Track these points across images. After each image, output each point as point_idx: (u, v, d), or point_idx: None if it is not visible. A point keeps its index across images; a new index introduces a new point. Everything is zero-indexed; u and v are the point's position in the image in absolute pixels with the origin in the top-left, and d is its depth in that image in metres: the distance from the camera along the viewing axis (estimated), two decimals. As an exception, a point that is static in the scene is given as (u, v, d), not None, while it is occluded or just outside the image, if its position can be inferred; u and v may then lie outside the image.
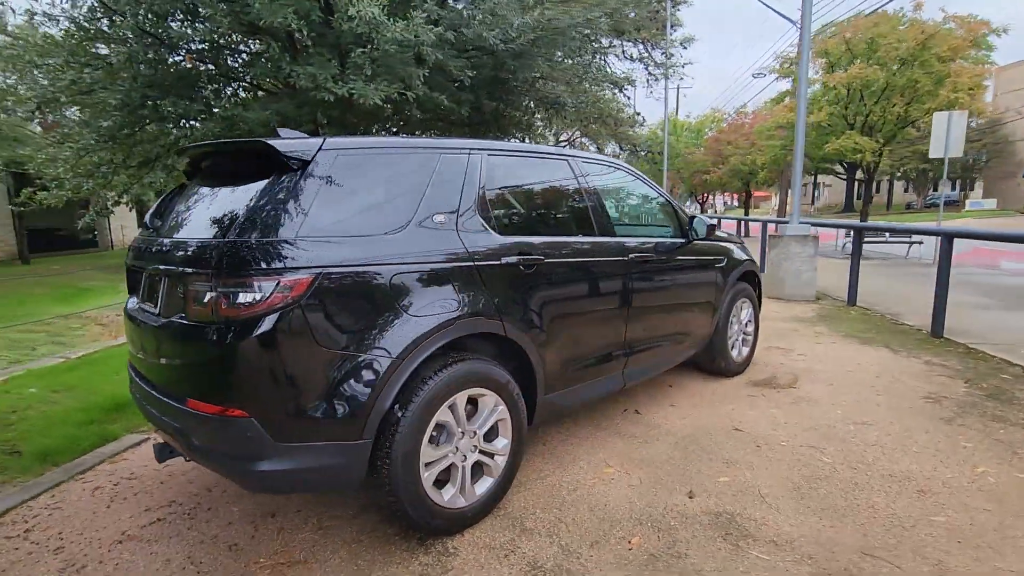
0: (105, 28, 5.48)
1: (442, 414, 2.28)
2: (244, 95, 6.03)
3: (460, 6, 5.09)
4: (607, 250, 3.09)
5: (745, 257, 4.43)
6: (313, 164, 2.11)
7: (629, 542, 2.32)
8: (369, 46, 4.76)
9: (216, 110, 5.19)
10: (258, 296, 1.89)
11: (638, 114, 26.02)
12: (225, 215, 2.07)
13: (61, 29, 5.19)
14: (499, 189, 2.73)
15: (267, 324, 1.89)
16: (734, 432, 3.39)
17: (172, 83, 5.50)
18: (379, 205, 2.24)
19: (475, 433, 2.44)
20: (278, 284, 1.90)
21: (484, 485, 2.50)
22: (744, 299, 4.43)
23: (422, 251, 2.26)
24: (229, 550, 2.34)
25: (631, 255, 3.22)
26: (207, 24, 5.24)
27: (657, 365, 3.63)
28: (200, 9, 5.09)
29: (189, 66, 5.63)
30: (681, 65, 22.40)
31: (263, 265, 1.91)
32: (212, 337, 1.92)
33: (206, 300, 1.93)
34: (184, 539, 2.43)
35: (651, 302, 3.47)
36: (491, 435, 2.53)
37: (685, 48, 22.11)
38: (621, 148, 29.68)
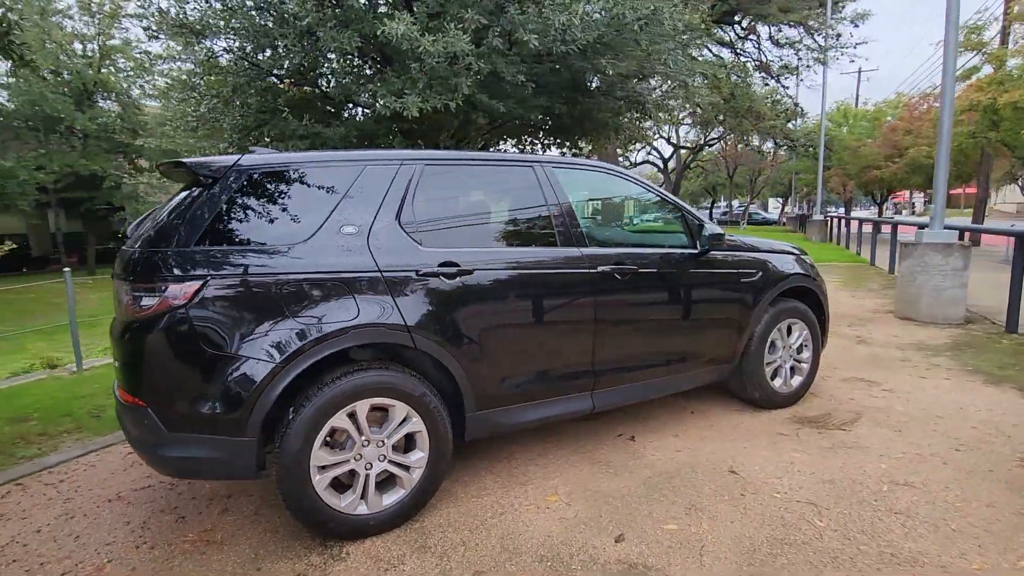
0: (223, 62, 6.50)
1: (338, 420, 2.33)
2: (328, 113, 6.69)
3: (511, 12, 5.06)
4: (564, 263, 2.88)
5: (793, 271, 3.78)
6: (223, 180, 2.31)
7: (513, 579, 2.15)
8: (419, 62, 4.98)
9: (299, 130, 5.85)
10: (153, 300, 2.13)
11: (796, 105, 23.27)
12: (151, 227, 2.36)
13: (185, 70, 6.30)
14: (434, 200, 2.71)
15: (157, 325, 2.12)
16: (727, 474, 2.93)
17: (277, 108, 6.33)
18: (285, 218, 2.37)
19: (383, 443, 2.45)
20: (166, 290, 2.12)
21: (394, 496, 2.50)
22: (794, 320, 3.78)
23: (322, 262, 2.33)
24: (176, 521, 2.65)
25: (602, 268, 2.95)
26: (298, 49, 5.91)
27: (649, 389, 3.26)
28: (281, 44, 5.76)
29: (289, 92, 6.45)
30: (852, 46, 19.61)
31: (159, 272, 2.15)
32: (125, 335, 2.21)
33: (124, 302, 2.22)
34: (153, 506, 2.80)
35: (633, 320, 3.15)
36: (406, 446, 2.53)
37: (857, 26, 19.32)
38: (776, 144, 26.86)
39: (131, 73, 17.69)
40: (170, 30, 6.18)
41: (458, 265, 2.58)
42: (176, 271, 2.15)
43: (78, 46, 16.91)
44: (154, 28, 6.06)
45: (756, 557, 2.24)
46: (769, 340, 3.68)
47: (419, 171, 2.67)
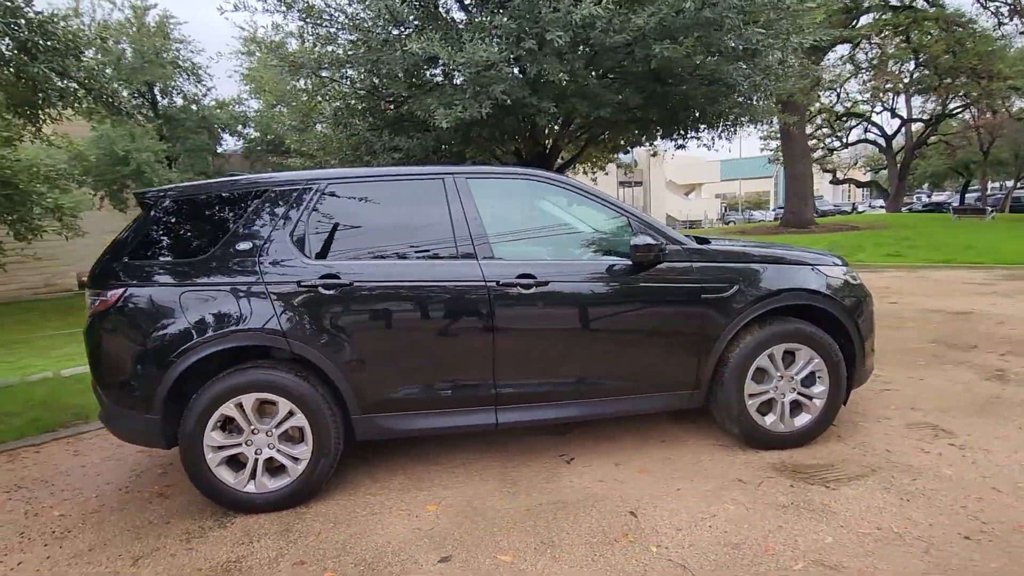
0: (345, 89, 7.55)
1: (228, 409, 2.73)
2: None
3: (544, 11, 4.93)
4: (457, 276, 2.85)
5: (790, 286, 3.10)
6: (155, 206, 2.87)
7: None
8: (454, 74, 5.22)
9: (386, 144, 6.53)
10: (95, 302, 2.77)
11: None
12: (111, 243, 3.00)
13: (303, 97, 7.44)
14: (333, 217, 2.94)
15: (97, 322, 2.75)
16: (624, 515, 2.61)
17: (377, 126, 7.16)
18: (193, 237, 2.84)
19: (272, 432, 2.79)
20: (100, 296, 2.74)
21: (281, 481, 2.82)
22: (796, 345, 3.10)
23: (215, 275, 2.75)
24: (140, 476, 3.34)
25: (504, 281, 2.85)
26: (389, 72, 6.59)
27: (571, 410, 3.02)
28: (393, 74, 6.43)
29: (387, 112, 7.21)
30: None
31: (99, 280, 2.78)
32: (86, 330, 2.89)
33: (87, 303, 2.91)
34: (123, 465, 3.55)
35: (545, 337, 2.96)
36: (293, 439, 2.82)
37: None
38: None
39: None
40: (311, 65, 7.38)
41: (338, 278, 2.78)
42: (109, 280, 2.76)
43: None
44: (287, 67, 7.30)
45: (554, 609, 2.03)
46: (753, 367, 3.09)
47: (321, 189, 2.92)
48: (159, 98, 17.63)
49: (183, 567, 2.42)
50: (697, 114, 7.37)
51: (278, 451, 2.80)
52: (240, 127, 19.18)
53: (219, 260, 2.79)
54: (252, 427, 2.77)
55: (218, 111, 18.19)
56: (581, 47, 5.51)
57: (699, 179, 57.03)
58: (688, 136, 8.46)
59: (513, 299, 2.88)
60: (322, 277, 2.78)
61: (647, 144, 9.15)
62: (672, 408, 3.18)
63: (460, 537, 2.51)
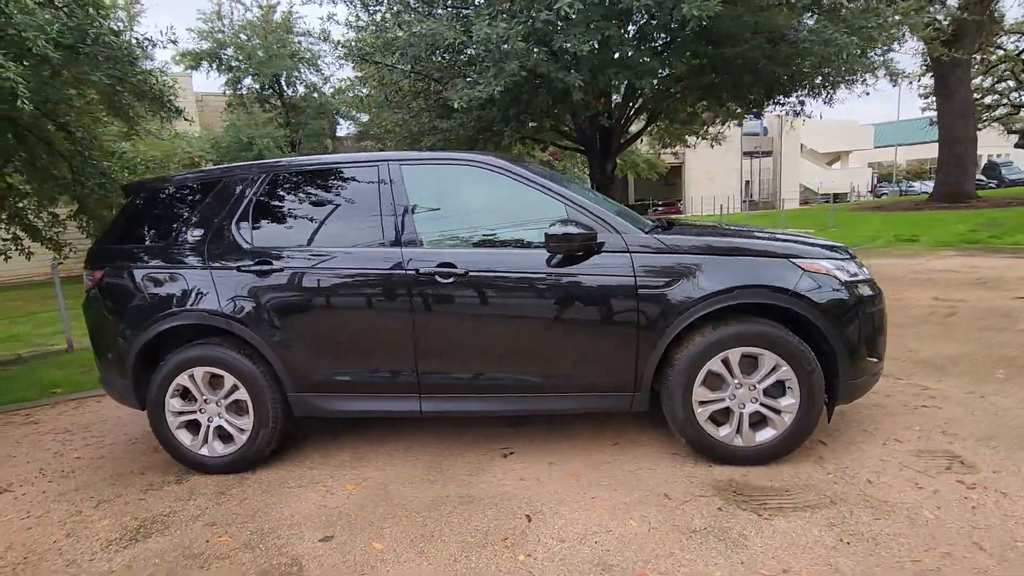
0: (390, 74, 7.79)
1: (183, 379, 3.04)
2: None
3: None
4: (380, 263, 2.86)
5: (746, 282, 2.68)
6: (135, 196, 3.23)
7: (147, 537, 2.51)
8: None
9: (424, 127, 6.63)
10: (88, 280, 3.21)
11: None
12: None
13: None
14: (275, 204, 3.09)
15: (87, 298, 3.19)
16: (520, 518, 2.50)
17: (426, 108, 7.31)
18: (158, 224, 3.15)
19: (220, 403, 3.06)
20: (90, 275, 3.17)
21: (229, 448, 3.08)
22: (758, 349, 2.70)
23: (171, 259, 3.04)
24: (147, 430, 3.83)
25: (424, 270, 2.82)
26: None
27: (499, 404, 2.92)
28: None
29: (431, 96, 7.31)
30: None
31: (90, 262, 3.21)
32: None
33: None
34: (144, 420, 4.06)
35: (466, 328, 2.88)
36: (238, 411, 3.07)
37: None
38: None
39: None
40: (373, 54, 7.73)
41: (271, 263, 2.94)
42: (96, 261, 3.19)
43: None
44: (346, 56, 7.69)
45: (385, 604, 2.03)
46: (704, 372, 2.75)
47: (266, 179, 3.09)
48: (284, 88, 19.46)
49: (127, 514, 2.77)
50: (772, 78, 6.51)
51: (226, 421, 3.07)
52: (354, 112, 20.59)
53: (176, 246, 3.08)
54: (204, 397, 3.06)
55: (334, 98, 19.66)
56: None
57: (846, 146, 50.49)
58: (769, 104, 7.51)
59: (432, 289, 2.83)
60: (257, 262, 2.96)
61: (719, 116, 8.28)
62: (613, 410, 2.94)
63: (353, 519, 2.58)
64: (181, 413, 3.09)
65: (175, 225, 3.13)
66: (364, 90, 17.30)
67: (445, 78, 6.30)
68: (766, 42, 5.56)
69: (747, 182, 44.40)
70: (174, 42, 6.54)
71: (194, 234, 3.08)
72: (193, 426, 3.11)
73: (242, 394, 3.02)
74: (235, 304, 2.97)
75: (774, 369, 2.73)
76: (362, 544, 2.39)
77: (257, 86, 18.62)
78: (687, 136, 12.39)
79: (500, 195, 3.02)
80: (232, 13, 18.59)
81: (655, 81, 5.83)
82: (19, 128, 5.84)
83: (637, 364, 2.79)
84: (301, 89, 19.63)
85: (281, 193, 3.10)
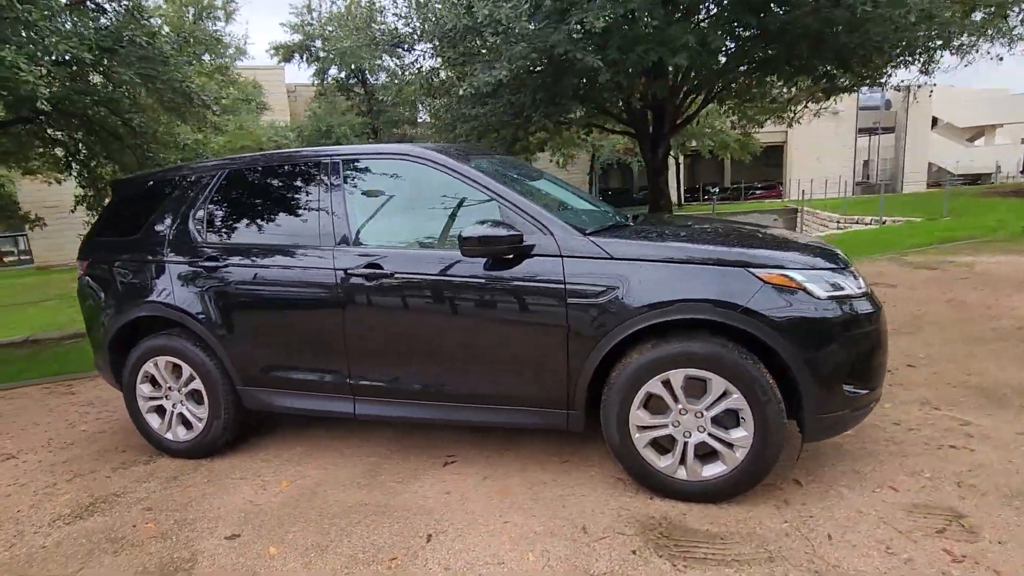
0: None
1: (149, 367, 3.21)
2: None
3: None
4: (312, 262, 2.81)
5: (689, 295, 2.31)
6: (116, 192, 3.43)
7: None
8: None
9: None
10: (79, 269, 3.47)
11: None
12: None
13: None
14: (228, 200, 3.12)
15: (78, 285, 3.45)
16: (418, 537, 2.37)
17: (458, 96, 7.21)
18: (132, 219, 3.30)
19: (180, 391, 3.20)
20: (80, 264, 3.42)
21: (189, 435, 3.22)
22: (705, 372, 2.33)
23: (138, 253, 3.19)
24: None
25: (352, 270, 2.73)
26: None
27: (431, 411, 2.78)
28: None
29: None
30: None
31: (81, 252, 3.46)
32: (78, 293, 3.64)
33: (80, 269, 3.65)
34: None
35: (394, 332, 2.76)
36: (196, 400, 3.19)
37: None
38: None
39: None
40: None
41: (217, 260, 2.99)
42: (84, 252, 3.43)
43: None
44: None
45: (244, 616, 1.99)
46: (642, 393, 2.43)
47: (221, 176, 3.14)
48: (368, 76, 20.20)
49: (87, 490, 2.99)
50: (841, 47, 5.64)
51: (186, 409, 3.21)
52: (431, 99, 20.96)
53: (144, 240, 3.23)
54: (168, 385, 3.22)
55: (412, 86, 20.10)
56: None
57: (992, 119, 43.66)
58: (845, 77, 6.56)
59: (360, 290, 2.74)
60: (206, 258, 3.03)
61: (802, 91, 7.35)
62: (548, 427, 2.69)
63: (267, 519, 2.59)
64: (151, 398, 3.27)
65: (144, 220, 3.28)
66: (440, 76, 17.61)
67: (467, 64, 6.14)
68: (825, 5, 4.79)
69: (865, 162, 39.96)
70: (218, 40, 6.92)
71: (158, 229, 3.21)
72: (161, 411, 3.29)
73: (198, 384, 3.13)
74: (188, 298, 3.07)
75: (724, 396, 2.35)
76: (260, 547, 2.39)
77: (342, 75, 19.50)
78: (777, 113, 11.28)
79: (435, 191, 2.84)
80: (320, 6, 19.53)
81: (688, 55, 5.26)
82: (92, 125, 6.49)
83: (568, 381, 2.53)
84: (383, 77, 20.27)
85: (232, 190, 3.14)
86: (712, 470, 2.43)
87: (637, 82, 6.12)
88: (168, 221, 3.19)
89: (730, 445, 2.38)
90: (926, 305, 5.48)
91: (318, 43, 19.44)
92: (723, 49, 5.56)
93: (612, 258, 2.45)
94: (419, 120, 22.20)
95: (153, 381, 3.26)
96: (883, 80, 8.15)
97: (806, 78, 6.69)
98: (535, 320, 2.53)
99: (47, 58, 4.32)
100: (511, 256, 2.53)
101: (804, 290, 2.30)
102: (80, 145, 7.05)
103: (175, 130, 7.85)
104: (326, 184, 2.90)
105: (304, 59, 19.31)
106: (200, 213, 3.14)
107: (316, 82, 19.59)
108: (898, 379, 3.73)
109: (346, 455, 3.17)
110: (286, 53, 19.21)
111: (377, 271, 2.70)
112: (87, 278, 3.39)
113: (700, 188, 35.02)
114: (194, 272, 3.06)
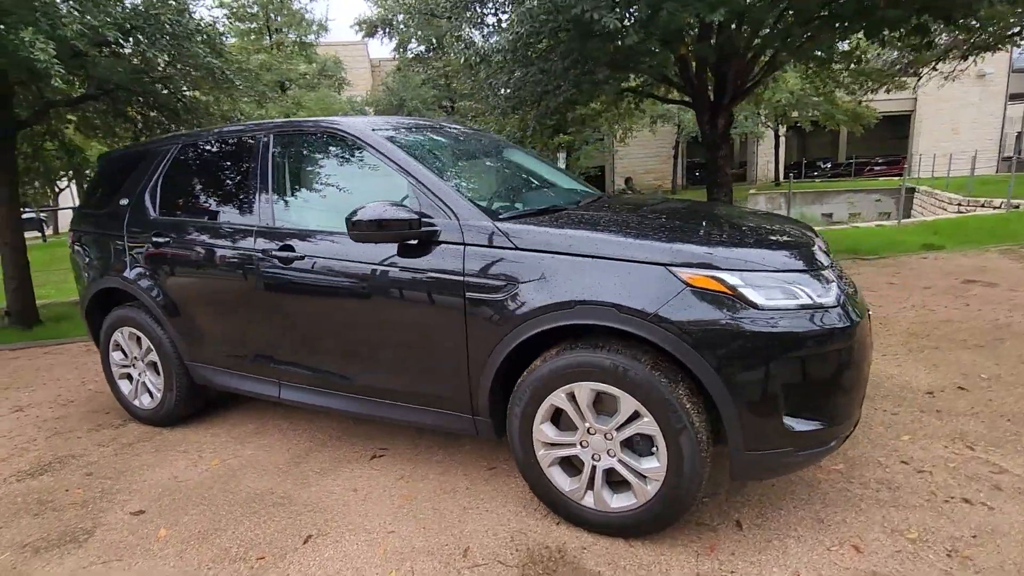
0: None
1: (118, 336, 3.34)
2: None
3: None
4: (236, 238, 2.72)
5: (590, 297, 1.93)
6: (100, 165, 3.56)
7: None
8: None
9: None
10: (69, 237, 3.65)
11: None
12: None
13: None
14: (179, 175, 3.11)
15: (71, 250, 3.64)
16: (300, 536, 2.24)
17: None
18: (106, 192, 3.40)
19: (143, 361, 3.30)
20: (69, 233, 3.60)
21: (150, 403, 3.33)
22: (612, 388, 1.95)
23: (106, 226, 3.29)
24: None
25: (269, 248, 2.61)
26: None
27: (345, 403, 2.61)
28: None
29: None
30: None
31: (71, 222, 3.65)
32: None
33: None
34: None
35: (306, 315, 2.61)
36: (156, 371, 3.27)
37: None
38: None
39: None
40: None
41: (162, 236, 3.00)
42: (72, 223, 3.61)
43: None
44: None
45: (95, 600, 1.98)
46: (546, 406, 2.11)
47: (176, 150, 3.13)
48: (446, 49, 20.15)
49: (53, 448, 3.18)
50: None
51: (147, 379, 3.31)
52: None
53: (110, 213, 3.32)
54: (133, 354, 3.33)
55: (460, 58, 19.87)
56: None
57: None
58: (945, 31, 5.42)
59: (275, 272, 2.61)
60: (154, 234, 3.05)
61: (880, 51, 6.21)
62: (458, 432, 2.44)
63: (177, 498, 2.59)
64: (121, 365, 3.41)
65: (114, 194, 3.37)
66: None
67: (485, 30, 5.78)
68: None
69: (1020, 133, 34.17)
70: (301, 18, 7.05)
71: (121, 203, 3.28)
72: (130, 378, 3.42)
73: (155, 356, 3.21)
74: (140, 273, 3.12)
75: (636, 418, 1.97)
76: (154, 528, 2.38)
77: (422, 48, 19.62)
78: (889, 79, 9.79)
79: (355, 168, 2.62)
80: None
81: (725, 11, 4.54)
82: (156, 102, 6.92)
83: (470, 385, 2.26)
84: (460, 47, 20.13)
85: (183, 165, 3.12)
86: (622, 501, 2.07)
87: (677, 44, 5.43)
88: (129, 196, 3.26)
89: (642, 476, 2.01)
90: (1021, 312, 4.49)
91: (400, 17, 19.66)
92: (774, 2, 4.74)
93: (516, 248, 2.11)
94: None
95: (122, 350, 3.39)
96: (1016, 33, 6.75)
97: (892, 35, 5.59)
98: (437, 316, 2.26)
99: (80, 39, 4.58)
100: (415, 242, 2.27)
101: (738, 296, 1.84)
102: (149, 122, 7.56)
103: (238, 107, 8.25)
104: (255, 161, 2.78)
105: (386, 33, 19.64)
106: (155, 188, 3.17)
107: (396, 56, 19.89)
108: (938, 403, 3.04)
109: (288, 437, 3.13)
110: (369, 28, 19.63)
111: (291, 254, 2.56)
112: (73, 247, 3.58)
113: (804, 164, 31.77)
114: (145, 247, 3.10)
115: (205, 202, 3.02)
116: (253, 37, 17.83)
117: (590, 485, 2.11)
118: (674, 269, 1.89)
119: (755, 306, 1.83)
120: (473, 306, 2.16)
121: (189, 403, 3.25)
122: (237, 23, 17.82)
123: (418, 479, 2.62)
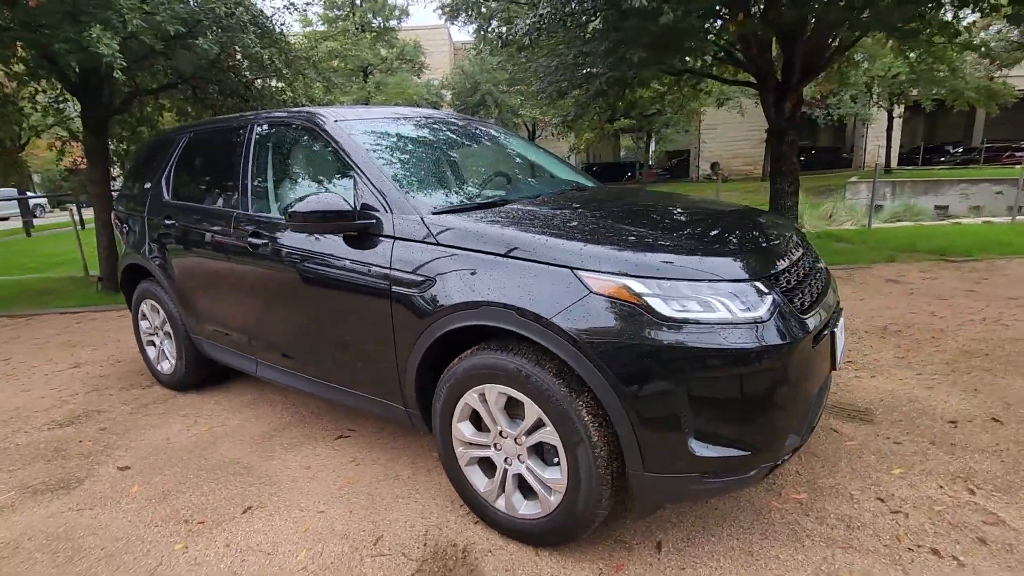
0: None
1: (143, 307, 3.71)
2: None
3: None
4: (224, 223, 2.90)
5: (490, 298, 1.86)
6: (136, 153, 3.90)
7: (90, 441, 3.08)
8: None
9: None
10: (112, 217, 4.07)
11: None
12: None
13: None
14: (185, 161, 3.35)
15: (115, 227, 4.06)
16: (243, 505, 2.39)
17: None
18: (139, 176, 3.73)
19: (162, 330, 3.64)
20: (112, 214, 4.02)
21: (167, 367, 3.67)
22: (517, 393, 1.90)
23: (135, 208, 3.63)
24: None
25: (246, 232, 2.76)
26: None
27: (309, 385, 2.72)
28: None
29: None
30: None
31: (114, 204, 4.06)
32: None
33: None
34: None
35: (272, 297, 2.74)
36: (170, 339, 3.59)
37: None
38: None
39: None
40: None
41: (170, 218, 3.26)
42: (114, 204, 4.01)
43: None
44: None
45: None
46: (462, 406, 2.08)
47: (186, 139, 3.37)
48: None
49: (90, 402, 3.59)
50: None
51: (166, 348, 3.65)
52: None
53: (138, 196, 3.65)
54: (155, 325, 3.68)
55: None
56: None
57: None
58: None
59: (248, 256, 2.76)
60: (165, 217, 3.32)
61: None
62: (400, 423, 2.46)
63: (162, 458, 2.84)
64: (147, 332, 3.79)
65: (144, 177, 3.70)
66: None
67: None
68: None
69: None
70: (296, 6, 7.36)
71: (146, 187, 3.60)
72: (153, 344, 3.79)
73: (169, 327, 3.53)
74: (155, 251, 3.42)
75: (540, 425, 1.90)
76: (131, 484, 2.64)
77: (502, 29, 19.53)
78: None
79: (320, 157, 2.68)
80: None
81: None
82: (225, 89, 7.48)
83: (399, 378, 2.28)
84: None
85: (187, 153, 3.36)
86: (529, 509, 2.01)
87: (729, 20, 4.97)
88: (150, 180, 3.57)
89: (547, 486, 1.94)
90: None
91: (481, -1, 19.67)
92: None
93: (438, 244, 2.08)
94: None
95: (147, 319, 3.76)
96: None
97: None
98: (370, 309, 2.28)
99: (147, 32, 5.03)
100: (355, 234, 2.31)
101: (643, 306, 1.70)
102: (227, 108, 8.18)
103: (309, 92, 8.73)
104: (241, 150, 2.93)
105: (468, 16, 19.74)
106: (167, 174, 3.44)
107: (477, 39, 19.95)
108: (957, 435, 2.65)
109: (276, 411, 3.33)
110: (451, 11, 19.82)
111: (258, 240, 2.70)
112: (115, 225, 3.99)
113: (925, 149, 28.24)
114: (158, 229, 3.40)
115: (202, 188, 3.25)
116: (339, 24, 18.65)
117: (502, 488, 2.07)
118: (580, 273, 1.78)
119: (660, 317, 1.68)
120: (397, 301, 2.16)
121: (195, 372, 3.54)
122: (326, 11, 18.78)
123: (368, 463, 2.69)
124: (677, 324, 1.68)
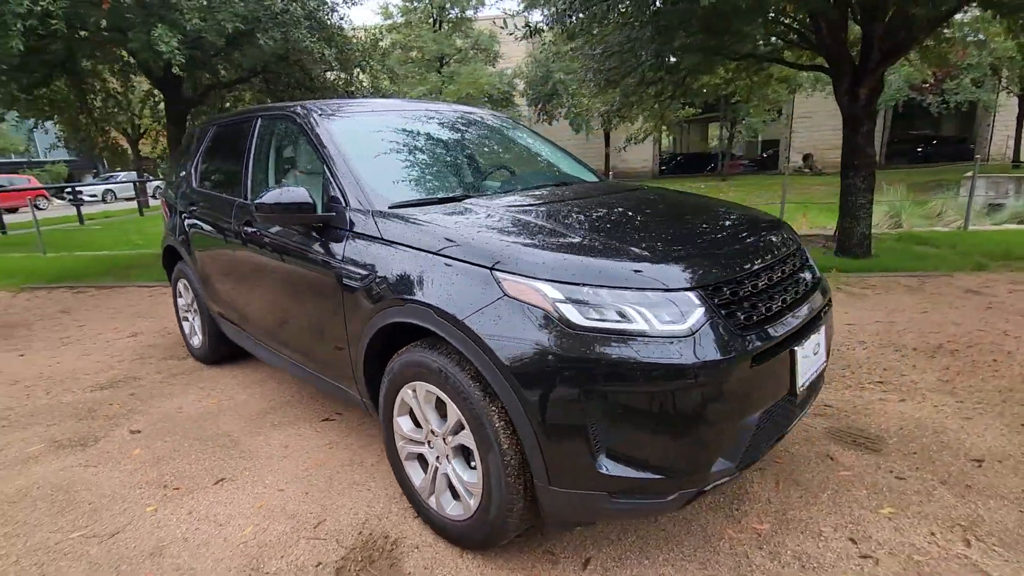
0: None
1: (178, 286, 4.04)
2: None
3: None
4: (227, 211, 3.07)
5: (414, 296, 1.83)
6: (180, 144, 4.23)
7: None
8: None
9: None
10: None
11: None
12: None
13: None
14: (209, 151, 3.58)
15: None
16: (211, 479, 2.56)
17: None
18: (180, 164, 4.04)
19: (192, 308, 3.95)
20: (160, 200, 4.38)
21: (197, 342, 3.98)
22: (440, 393, 1.89)
23: (173, 191, 3.94)
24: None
25: (241, 219, 2.92)
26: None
27: (288, 367, 2.86)
28: None
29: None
30: None
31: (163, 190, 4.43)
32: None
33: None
34: None
35: (260, 283, 2.88)
36: (198, 316, 3.89)
37: None
38: None
39: None
40: None
41: (195, 205, 3.51)
42: (162, 191, 4.37)
43: None
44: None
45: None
46: (399, 401, 2.10)
47: (213, 131, 3.61)
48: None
49: (131, 369, 3.98)
50: None
51: (195, 323, 3.96)
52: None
53: (176, 183, 3.96)
54: (187, 301, 4.00)
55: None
56: None
57: None
58: None
59: (243, 242, 2.92)
60: (191, 204, 3.58)
61: None
62: (355, 405, 2.52)
63: (169, 425, 3.10)
64: (183, 308, 4.13)
65: (180, 167, 4.01)
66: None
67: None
68: None
69: None
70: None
71: (182, 174, 3.89)
72: (187, 320, 4.12)
73: (196, 305, 3.83)
74: (182, 237, 3.71)
75: (458, 428, 1.87)
76: (134, 446, 2.90)
77: (574, 18, 19.12)
78: None
79: (305, 150, 2.76)
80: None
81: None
82: (291, 81, 7.93)
83: (352, 368, 2.32)
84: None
85: (214, 143, 3.59)
86: (455, 510, 1.99)
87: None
88: (185, 168, 3.85)
89: (468, 490, 1.91)
90: None
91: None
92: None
93: (382, 239, 2.09)
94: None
95: (181, 296, 4.09)
96: None
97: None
98: (326, 298, 2.34)
99: (209, 31, 5.44)
100: (320, 226, 2.37)
101: (553, 311, 1.62)
102: (296, 99, 8.66)
103: (376, 83, 9.08)
104: (246, 142, 3.10)
105: (545, 4, 19.46)
106: (195, 163, 3.70)
107: (552, 27, 19.63)
108: (977, 476, 2.32)
109: (280, 389, 3.51)
110: (530, 1, 19.63)
111: (248, 228, 2.84)
112: (162, 208, 4.36)
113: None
114: (186, 215, 3.67)
115: (217, 177, 3.47)
116: (416, 15, 19.12)
117: (433, 486, 2.06)
118: (497, 274, 1.72)
119: (570, 325, 1.59)
120: (347, 295, 2.20)
121: (216, 348, 3.81)
122: (405, 3, 19.29)
123: (341, 448, 2.78)
124: (587, 333, 1.58)
